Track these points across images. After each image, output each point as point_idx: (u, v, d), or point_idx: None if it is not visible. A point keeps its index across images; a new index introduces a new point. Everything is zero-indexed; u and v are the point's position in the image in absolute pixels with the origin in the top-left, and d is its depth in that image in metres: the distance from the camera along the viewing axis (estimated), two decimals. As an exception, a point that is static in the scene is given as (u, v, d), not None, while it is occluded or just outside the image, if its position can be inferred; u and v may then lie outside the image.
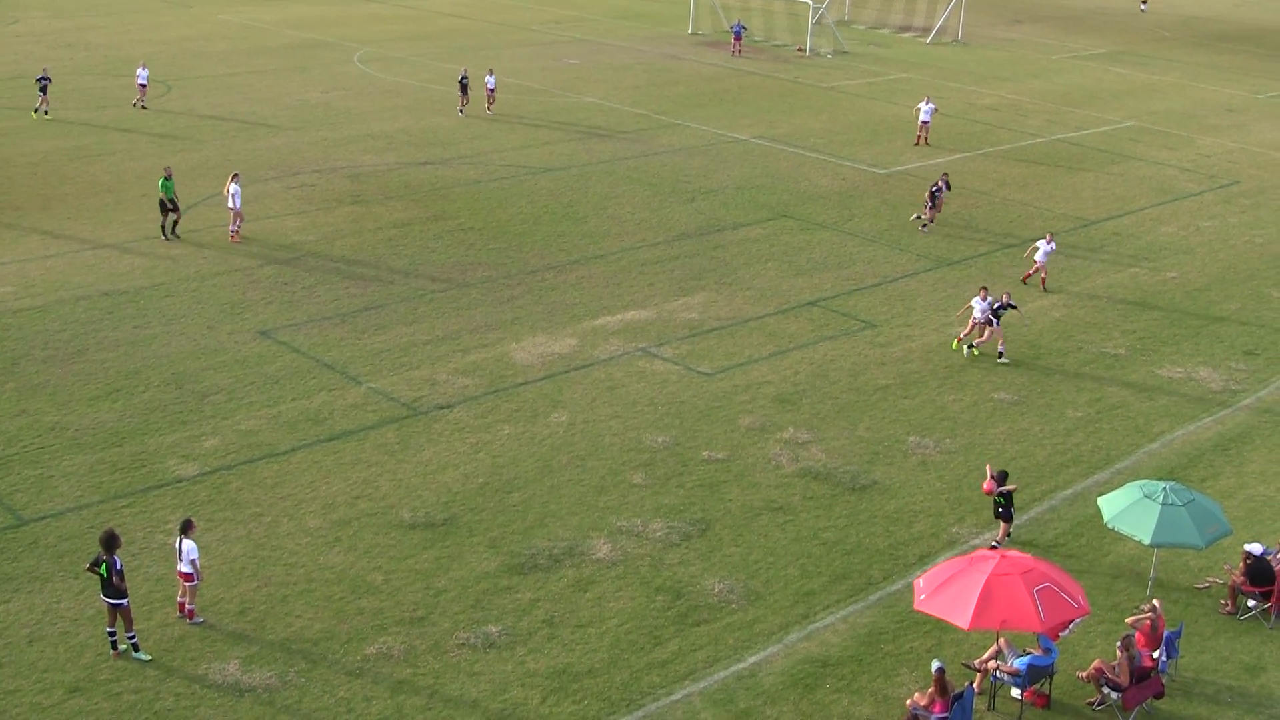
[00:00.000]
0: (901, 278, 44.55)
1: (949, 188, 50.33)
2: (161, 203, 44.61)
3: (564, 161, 56.22)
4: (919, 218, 49.46)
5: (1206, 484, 31.87)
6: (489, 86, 63.94)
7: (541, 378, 35.62)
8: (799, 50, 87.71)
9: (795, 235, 48.13)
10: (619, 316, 40.00)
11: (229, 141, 57.19)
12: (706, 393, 35.16)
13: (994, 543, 28.41)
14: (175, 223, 44.79)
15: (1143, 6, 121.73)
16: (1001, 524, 28.56)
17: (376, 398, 33.97)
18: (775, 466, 31.53)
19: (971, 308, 38.46)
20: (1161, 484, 26.80)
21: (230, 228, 44.69)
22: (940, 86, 76.87)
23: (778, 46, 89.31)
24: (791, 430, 33.29)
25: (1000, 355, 38.16)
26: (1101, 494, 29.50)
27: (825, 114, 68.22)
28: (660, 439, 32.49)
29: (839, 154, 59.86)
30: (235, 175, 44.79)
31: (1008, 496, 28.32)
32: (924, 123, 62.07)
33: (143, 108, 62.17)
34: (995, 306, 38.01)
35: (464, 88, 63.08)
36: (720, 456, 31.84)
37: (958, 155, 60.57)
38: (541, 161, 56.06)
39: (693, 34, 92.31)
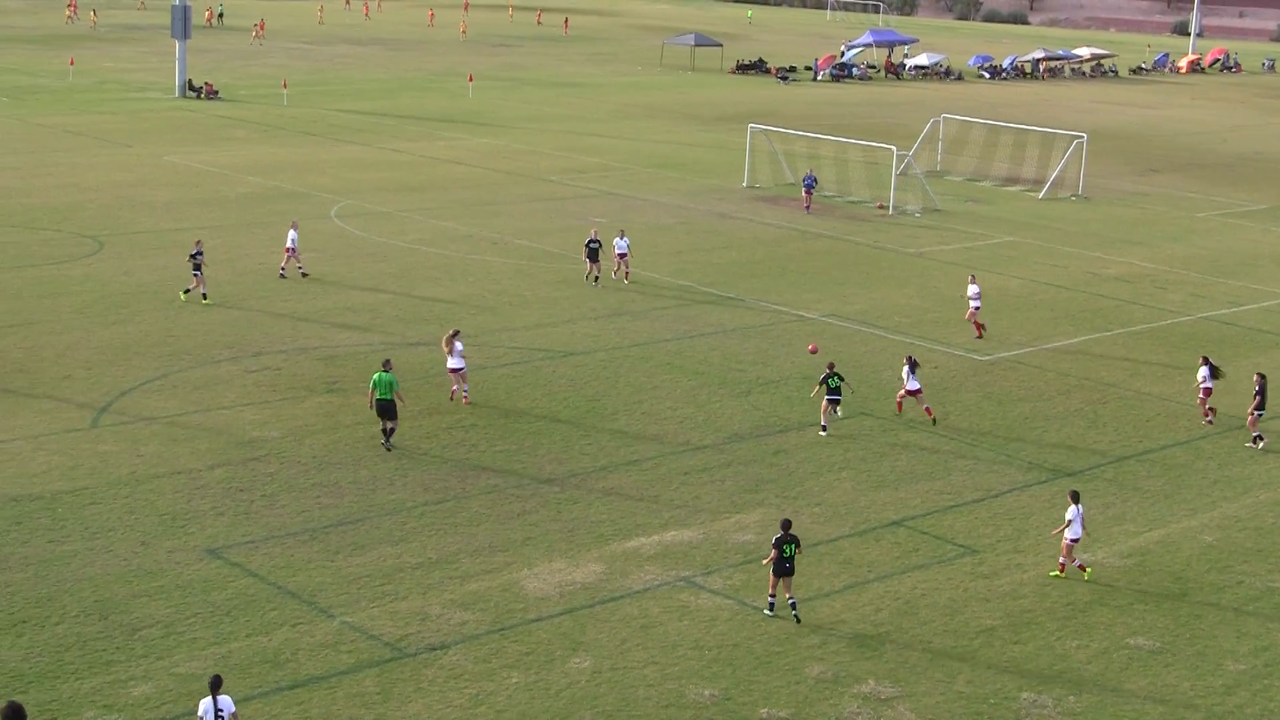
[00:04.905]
0: (1009, 491, 44.80)
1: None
2: (383, 405, 45.09)
3: (588, 344, 57.01)
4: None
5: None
6: (619, 250, 66.43)
7: (559, 613, 35.75)
8: (880, 207, 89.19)
9: (875, 438, 48.56)
10: (656, 538, 40.24)
11: (172, 312, 58.19)
12: (765, 634, 35.23)
13: None
14: (392, 430, 45.48)
15: None
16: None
17: (352, 635, 34.11)
18: (852, 729, 31.50)
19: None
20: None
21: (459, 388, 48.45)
22: (1055, 252, 77.79)
23: (854, 203, 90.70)
24: (873, 683, 33.28)
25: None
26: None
27: (912, 286, 69.17)
28: (707, 693, 32.49)
29: (929, 336, 60.51)
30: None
31: None
32: (975, 308, 60.86)
33: (302, 274, 64.62)
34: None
35: (593, 254, 65.48)
36: (783, 715, 31.80)
37: (1078, 338, 61.10)
38: (560, 344, 56.83)
39: (749, 187, 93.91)
